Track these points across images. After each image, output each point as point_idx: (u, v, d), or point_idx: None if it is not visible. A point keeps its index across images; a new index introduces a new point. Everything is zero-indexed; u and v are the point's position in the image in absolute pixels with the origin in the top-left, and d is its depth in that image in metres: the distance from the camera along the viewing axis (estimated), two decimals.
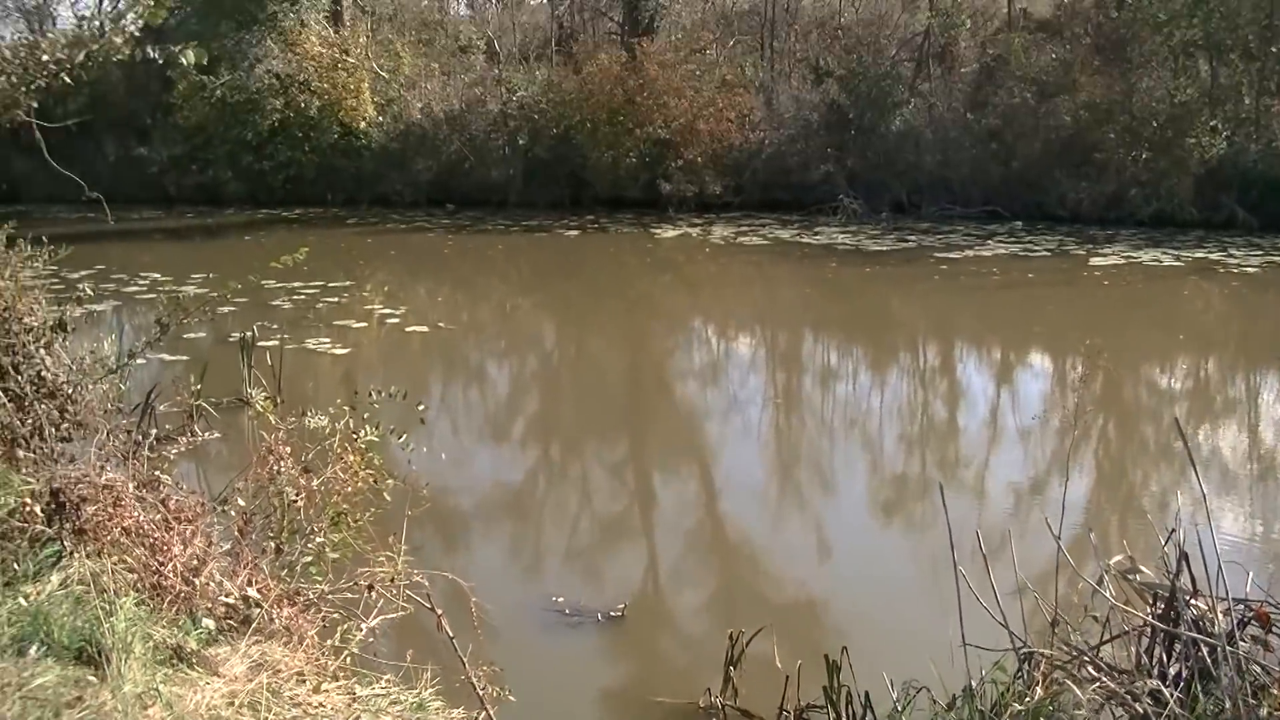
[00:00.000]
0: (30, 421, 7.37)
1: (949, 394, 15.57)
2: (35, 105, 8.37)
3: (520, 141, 34.80)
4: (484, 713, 5.44)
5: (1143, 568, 5.80)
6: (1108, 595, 5.56)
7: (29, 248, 9.02)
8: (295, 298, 20.05)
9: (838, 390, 16.03)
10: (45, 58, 8.29)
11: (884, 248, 26.02)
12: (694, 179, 31.98)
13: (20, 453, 6.82)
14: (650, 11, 36.57)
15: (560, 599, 8.24)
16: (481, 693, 5.54)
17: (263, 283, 10.26)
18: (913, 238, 27.22)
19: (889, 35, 34.34)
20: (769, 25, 37.95)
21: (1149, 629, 5.43)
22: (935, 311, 20.68)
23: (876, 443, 13.24)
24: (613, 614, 8.05)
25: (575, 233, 29.67)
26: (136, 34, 8.17)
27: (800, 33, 37.91)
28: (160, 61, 8.36)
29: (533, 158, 34.60)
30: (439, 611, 5.82)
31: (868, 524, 10.59)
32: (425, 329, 18.18)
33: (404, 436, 7.22)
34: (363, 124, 35.93)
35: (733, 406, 15.09)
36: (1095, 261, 23.62)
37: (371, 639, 6.04)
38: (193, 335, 12.98)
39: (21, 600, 5.16)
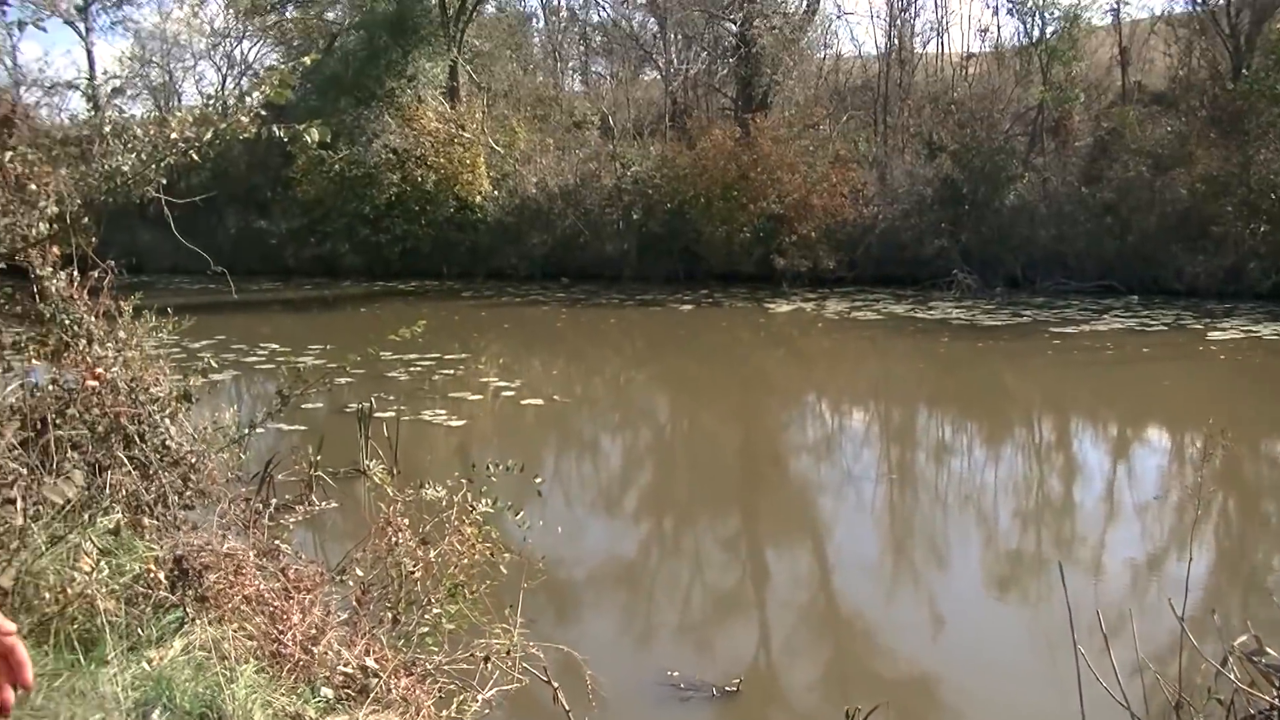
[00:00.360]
0: (155, 489, 7.47)
1: (1064, 469, 15.37)
2: (164, 181, 8.54)
3: (634, 216, 34.95)
4: None
5: (1269, 649, 5.68)
6: (1232, 677, 5.45)
7: (154, 318, 9.17)
8: (411, 369, 20.19)
9: (952, 465, 15.88)
10: (174, 136, 8.46)
11: (998, 322, 25.79)
12: (808, 254, 31.91)
13: (145, 520, 6.90)
14: (764, 87, 36.72)
15: (675, 673, 8.18)
16: None
17: (380, 354, 10.37)
18: (1027, 312, 26.94)
19: (1002, 110, 34.10)
20: (882, 100, 37.95)
21: (1275, 712, 5.32)
22: (1050, 386, 20.46)
23: (991, 518, 13.08)
24: (728, 688, 7.97)
25: (689, 307, 29.68)
26: (262, 113, 8.33)
27: (913, 108, 37.81)
28: (285, 139, 8.51)
29: (647, 232, 34.71)
30: (555, 685, 5.82)
31: (982, 600, 10.45)
32: (540, 402, 18.25)
33: (520, 513, 7.25)
34: (478, 198, 36.27)
35: (846, 481, 14.99)
36: (1213, 336, 23.26)
37: (487, 711, 6.05)
38: (310, 405, 13.11)
39: (145, 665, 5.22)
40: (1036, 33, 35.47)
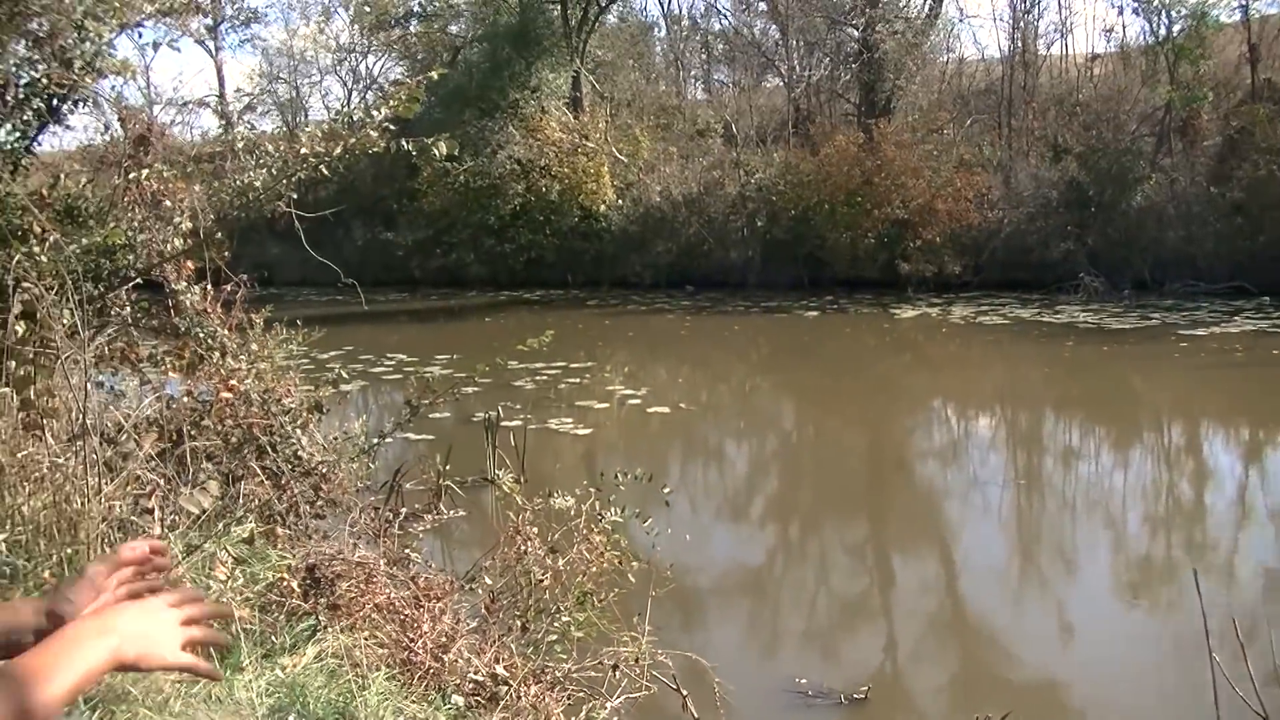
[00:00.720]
0: (287, 499, 7.58)
1: (1195, 474, 15.16)
2: (294, 196, 8.68)
3: (759, 223, 34.88)
4: None
5: None
6: None
7: (285, 330, 9.31)
8: (538, 378, 20.28)
9: (1079, 469, 15.72)
10: (304, 151, 8.59)
11: (1126, 325, 25.42)
12: (933, 259, 31.68)
13: (278, 529, 7.01)
14: (887, 92, 36.54)
15: (802, 680, 8.16)
16: None
17: (507, 364, 10.44)
18: (1156, 315, 26.54)
19: (1128, 110, 33.60)
20: (1006, 104, 37.54)
21: None
22: (1179, 389, 20.17)
23: (1120, 523, 12.93)
24: (855, 696, 7.94)
25: (814, 313, 29.56)
26: (390, 127, 8.43)
27: (1038, 110, 37.31)
28: (414, 153, 8.61)
29: (771, 239, 34.61)
30: (684, 692, 5.84)
31: (1112, 606, 10.34)
32: (666, 409, 18.25)
33: (649, 521, 7.28)
34: (602, 207, 36.35)
35: (973, 486, 14.89)
36: None
37: (616, 718, 6.08)
38: (437, 415, 13.21)
39: (279, 672, 5.30)
40: (1163, 31, 34.84)
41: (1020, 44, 39.26)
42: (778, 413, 20.94)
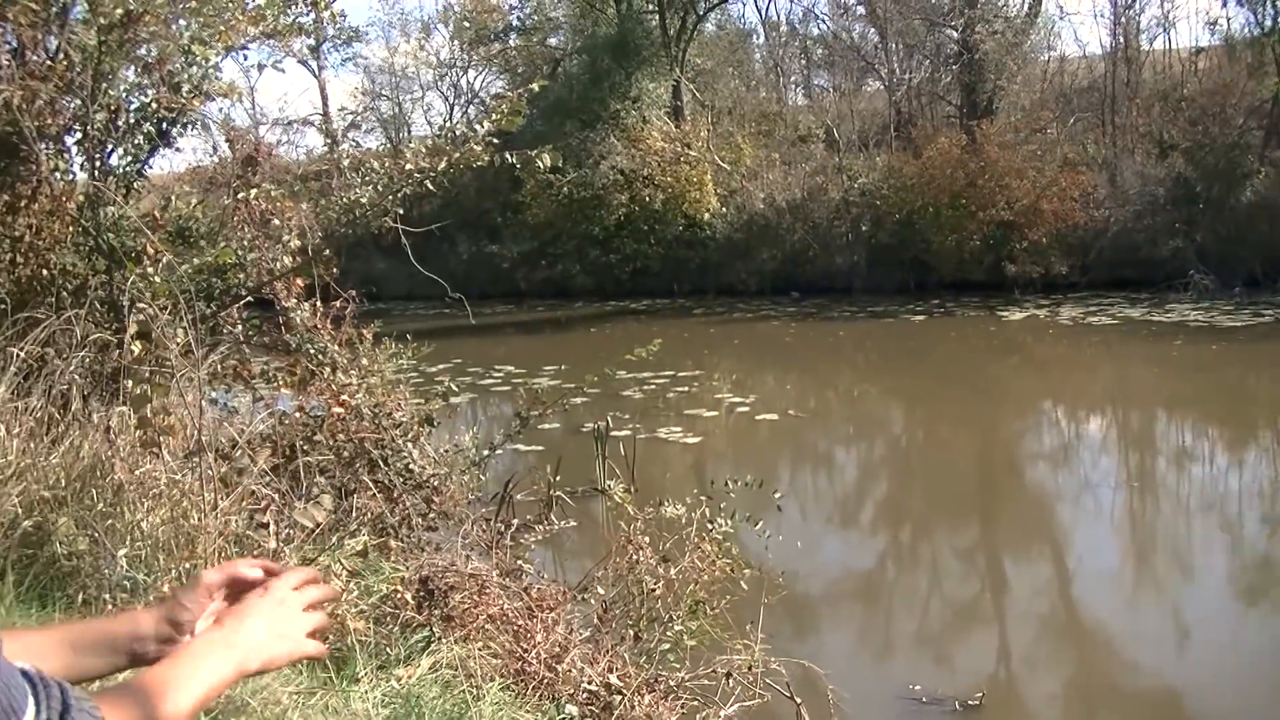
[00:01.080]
0: (399, 512, 7.65)
1: None
2: (400, 211, 8.76)
3: (863, 228, 34.71)
4: None
5: None
6: None
7: (393, 345, 9.40)
8: (646, 388, 20.31)
9: (1194, 471, 15.53)
10: (409, 167, 8.67)
11: (1238, 323, 25.03)
12: (1039, 260, 31.37)
13: (391, 542, 7.07)
14: (988, 93, 36.25)
15: (916, 686, 8.12)
16: None
17: (617, 373, 10.48)
18: (1269, 312, 26.04)
19: (1235, 104, 33.00)
20: (1109, 101, 37.08)
21: None
22: None
23: (1237, 525, 12.75)
24: (970, 702, 7.89)
25: (920, 317, 29.37)
26: (494, 140, 8.49)
27: (1142, 106, 36.81)
28: (518, 166, 8.67)
29: (876, 243, 34.43)
30: (798, 700, 5.83)
31: (1229, 610, 10.21)
32: (774, 416, 18.23)
33: (759, 524, 7.28)
34: (706, 215, 36.34)
35: (1084, 489, 14.76)
36: None
37: None
38: (546, 426, 13.27)
39: (394, 683, 5.35)
40: (1268, 22, 34.25)
41: (1122, 39, 38.78)
42: (886, 418, 20.85)
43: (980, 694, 7.97)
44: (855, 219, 34.90)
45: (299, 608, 2.05)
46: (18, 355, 7.18)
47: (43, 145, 8.47)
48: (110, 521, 6.05)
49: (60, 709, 1.58)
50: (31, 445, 6.70)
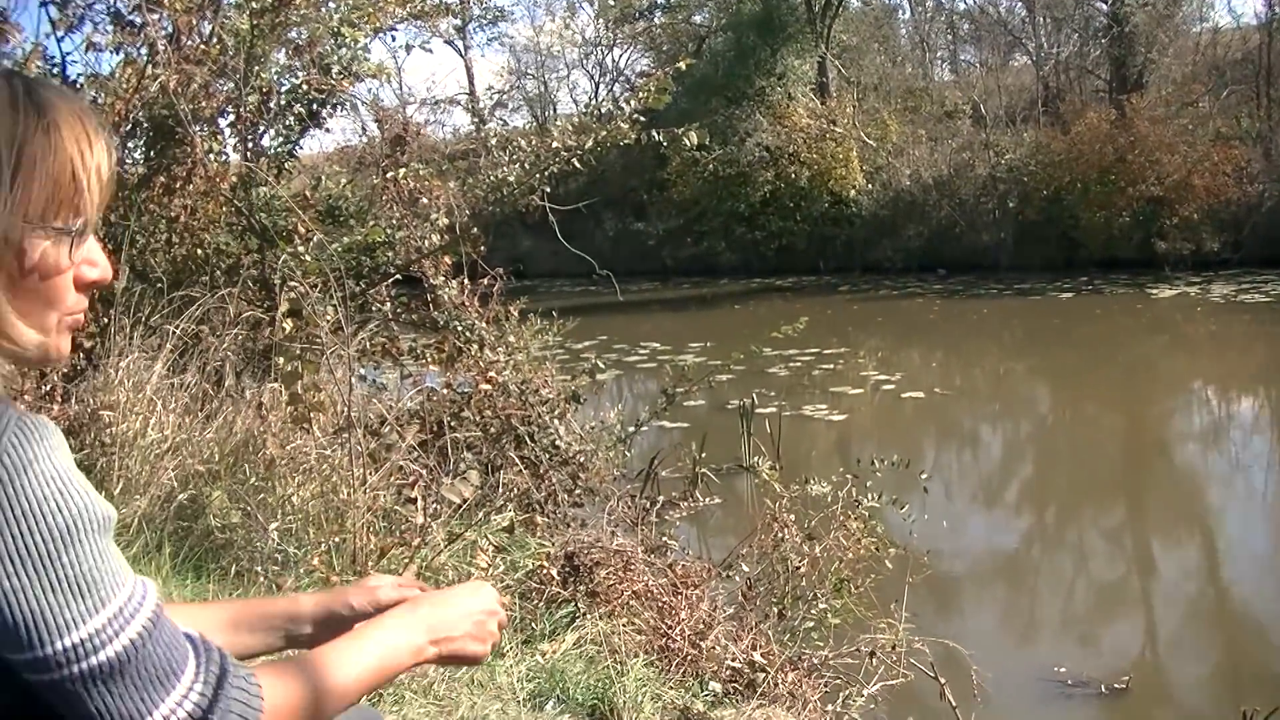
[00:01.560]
0: (545, 488, 7.72)
1: None
2: (547, 189, 8.83)
3: (1010, 204, 34.35)
4: None
5: None
6: None
7: (539, 322, 9.47)
8: (791, 365, 20.26)
9: None
10: (555, 145, 8.74)
11: None
12: (1190, 236, 30.80)
13: (537, 518, 7.14)
14: (1138, 66, 35.69)
15: (1061, 668, 8.04)
16: None
17: (763, 350, 10.48)
18: None
19: None
20: (1264, 73, 36.21)
21: None
22: None
23: None
24: (1116, 686, 7.80)
25: (1068, 295, 28.95)
26: (641, 118, 8.53)
27: None
28: (664, 143, 8.70)
29: (1023, 220, 34.03)
30: (942, 680, 5.81)
31: None
32: (920, 394, 18.11)
33: (905, 507, 7.26)
34: (852, 192, 36.19)
35: (1235, 470, 14.52)
36: None
37: (872, 706, 6.08)
38: (691, 403, 13.26)
39: (539, 658, 5.41)
40: None
41: (1278, 9, 37.92)
42: (1033, 396, 20.63)
43: (1126, 678, 7.87)
44: (1002, 195, 34.55)
45: (494, 611, 2.09)
46: (174, 333, 7.34)
47: (197, 128, 8.62)
48: (262, 495, 6.17)
49: (218, 673, 1.63)
50: (187, 420, 6.86)
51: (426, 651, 1.98)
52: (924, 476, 8.47)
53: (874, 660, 6.18)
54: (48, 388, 6.76)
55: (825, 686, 6.08)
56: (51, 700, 1.53)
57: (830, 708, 5.83)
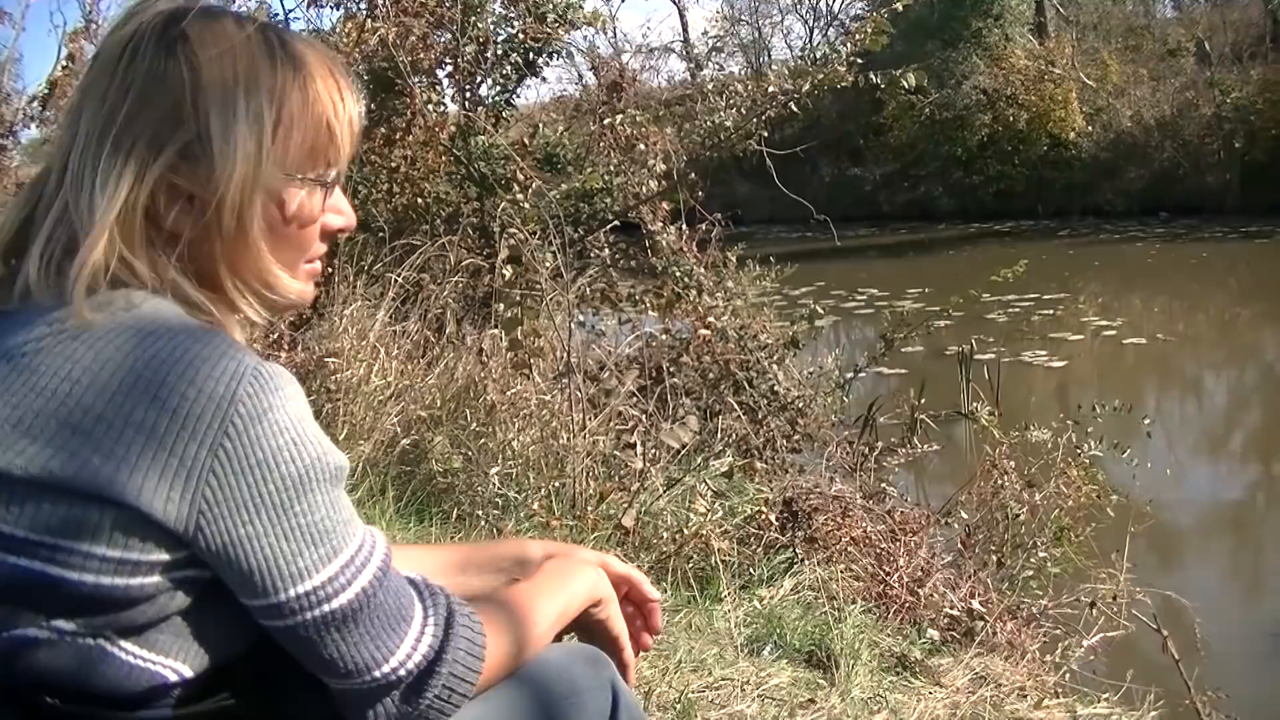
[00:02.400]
0: (763, 434, 7.74)
1: None
2: (764, 134, 8.82)
3: (1236, 145, 33.37)
4: None
5: None
6: None
7: (757, 268, 9.48)
8: (1010, 310, 19.98)
9: None
10: (772, 89, 8.72)
11: None
12: None
13: (756, 463, 7.17)
14: None
15: None
16: (1207, 719, 5.41)
17: (981, 296, 10.38)
18: None
19: None
20: None
21: None
22: None
23: None
24: None
25: None
26: (858, 61, 8.48)
27: None
28: (881, 85, 8.64)
29: (1250, 161, 33.02)
30: (1165, 633, 5.71)
31: None
32: (1142, 340, 17.75)
33: (1126, 451, 7.15)
34: (1072, 134, 35.53)
35: None
36: None
37: (1091, 657, 6.00)
38: (909, 350, 13.13)
39: (756, 603, 5.44)
40: None
41: None
42: (1259, 343, 20.06)
43: None
44: (1228, 136, 33.58)
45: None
46: (396, 281, 7.48)
47: (416, 79, 8.78)
48: (483, 440, 6.27)
49: (446, 616, 1.69)
50: (409, 367, 7.00)
51: (601, 592, 2.06)
52: (1147, 423, 8.29)
53: (1094, 611, 6.09)
54: (274, 335, 6.92)
55: (1044, 636, 6.02)
56: (287, 646, 1.59)
57: (1049, 658, 5.76)
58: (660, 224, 8.66)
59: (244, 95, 1.60)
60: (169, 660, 1.53)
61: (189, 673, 1.56)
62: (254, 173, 1.59)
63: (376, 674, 1.61)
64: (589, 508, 5.85)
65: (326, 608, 1.55)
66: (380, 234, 8.25)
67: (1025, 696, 5.04)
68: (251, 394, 1.46)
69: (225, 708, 1.62)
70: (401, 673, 1.63)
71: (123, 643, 1.49)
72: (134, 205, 1.56)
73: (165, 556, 1.47)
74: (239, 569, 1.49)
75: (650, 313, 8.55)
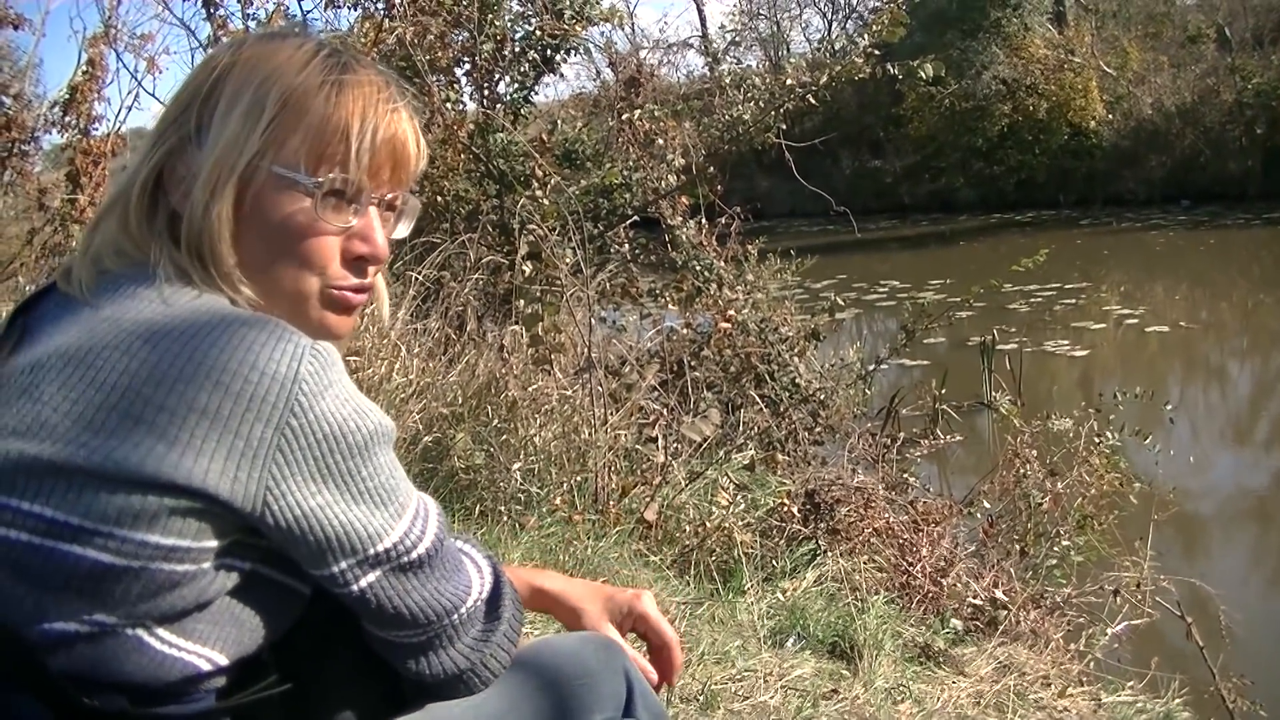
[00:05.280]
0: (785, 426, 7.76)
1: None
2: (783, 127, 8.84)
3: (1258, 131, 33.18)
4: None
5: None
6: None
7: (778, 261, 9.49)
8: (1031, 300, 19.95)
9: None
10: (790, 82, 8.74)
11: None
12: None
13: (778, 456, 7.18)
14: None
15: None
16: (1231, 706, 5.41)
17: (1003, 286, 10.38)
18: None
19: None
20: None
21: None
22: None
23: None
24: None
25: None
26: (876, 52, 8.50)
27: None
28: (899, 77, 8.65)
29: (1272, 147, 32.80)
30: (1189, 620, 5.71)
31: None
32: (1164, 328, 17.70)
33: (1149, 438, 7.14)
34: (1092, 123, 35.39)
35: None
36: None
37: (1115, 645, 6.00)
38: (930, 340, 13.14)
39: (779, 595, 5.45)
40: None
41: None
42: None
43: None
44: (1250, 122, 33.41)
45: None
46: (416, 279, 7.50)
47: (435, 78, 8.81)
48: (505, 436, 6.29)
49: (490, 554, 1.87)
50: (430, 365, 7.01)
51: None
52: (1169, 408, 8.29)
53: (1118, 599, 6.10)
54: None
55: (1068, 625, 6.03)
56: (363, 610, 1.66)
57: (1073, 646, 5.77)
58: (680, 218, 8.69)
59: (253, 89, 1.64)
60: (204, 649, 1.56)
61: (224, 661, 1.59)
62: (231, 155, 1.63)
63: (463, 610, 1.72)
64: (611, 502, 5.88)
65: (406, 559, 1.62)
66: None
67: (1049, 685, 5.06)
68: (313, 372, 1.50)
69: (266, 698, 1.65)
70: (480, 604, 1.76)
71: (159, 630, 1.52)
72: (147, 187, 1.66)
73: (215, 543, 1.51)
74: (314, 539, 1.54)
75: (671, 307, 8.58)
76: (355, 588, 1.59)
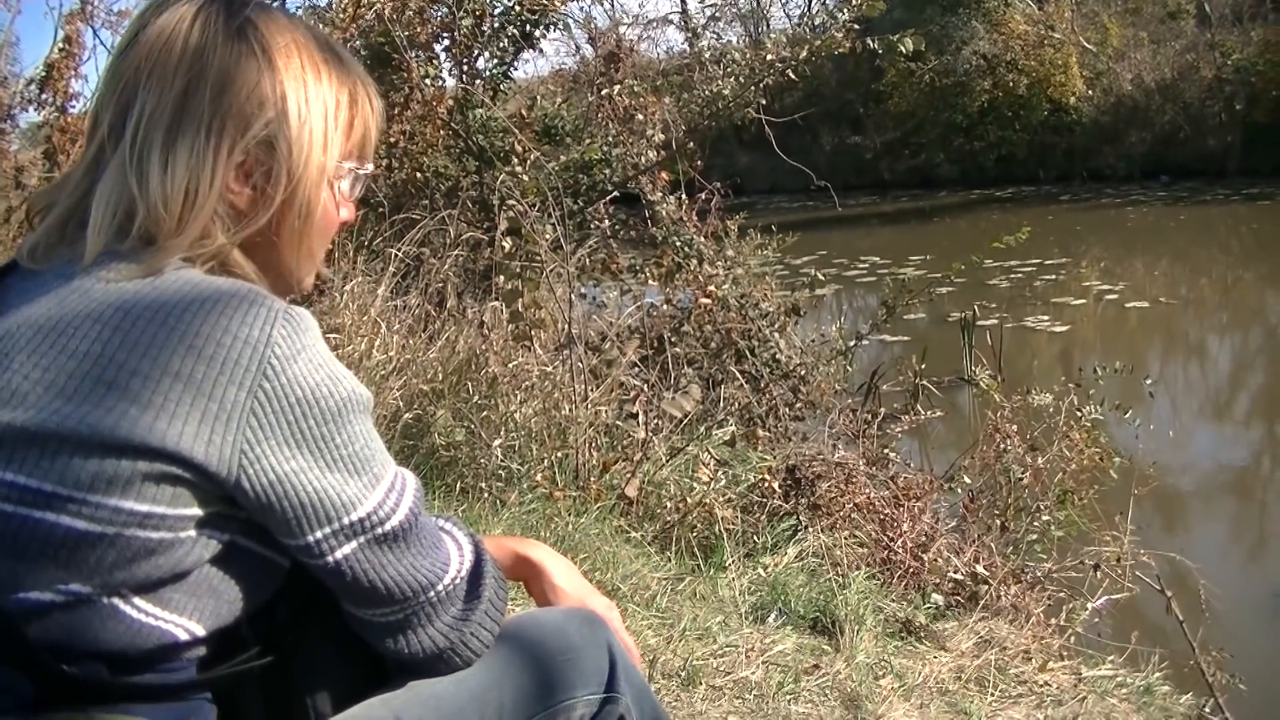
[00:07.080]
0: (766, 402, 7.76)
1: None
2: (763, 103, 8.83)
3: (1237, 107, 33.24)
4: (1212, 700, 5.30)
5: None
6: None
7: (758, 237, 9.48)
8: (1012, 276, 19.96)
9: None
10: (770, 57, 8.73)
11: None
12: None
13: (759, 431, 7.18)
14: None
15: None
16: (1211, 680, 5.42)
17: (984, 262, 10.41)
18: None
19: None
20: None
21: None
22: None
23: None
24: None
25: None
26: (856, 28, 8.49)
27: None
28: (879, 52, 8.64)
29: (1251, 123, 32.88)
30: (1169, 594, 5.73)
31: None
32: (1144, 304, 17.74)
33: (1129, 413, 7.16)
34: (1072, 99, 35.41)
35: None
36: None
37: (1095, 619, 6.02)
38: (911, 316, 13.13)
39: (760, 570, 5.45)
40: None
41: None
42: (1262, 305, 20.02)
43: None
44: (1229, 98, 33.47)
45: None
46: (396, 256, 7.49)
47: (413, 54, 8.78)
48: (485, 413, 6.28)
49: (468, 530, 1.86)
50: (410, 341, 7.00)
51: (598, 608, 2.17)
52: (1149, 382, 8.30)
53: (1098, 573, 6.11)
54: None
55: (1048, 599, 6.04)
56: (337, 584, 1.65)
57: (1053, 621, 5.78)
58: (660, 194, 8.68)
59: (314, 84, 1.68)
60: (181, 619, 1.56)
61: (201, 631, 1.59)
62: (325, 157, 1.69)
63: (439, 587, 1.71)
64: (592, 478, 5.87)
65: (381, 530, 1.61)
66: (380, 209, 8.26)
67: (1030, 659, 5.06)
68: (285, 336, 1.50)
69: (246, 671, 1.66)
70: (460, 581, 1.75)
71: (136, 599, 1.51)
72: (213, 183, 1.62)
73: (193, 512, 1.51)
74: (287, 506, 1.53)
75: (651, 283, 8.56)
76: (330, 559, 1.58)
